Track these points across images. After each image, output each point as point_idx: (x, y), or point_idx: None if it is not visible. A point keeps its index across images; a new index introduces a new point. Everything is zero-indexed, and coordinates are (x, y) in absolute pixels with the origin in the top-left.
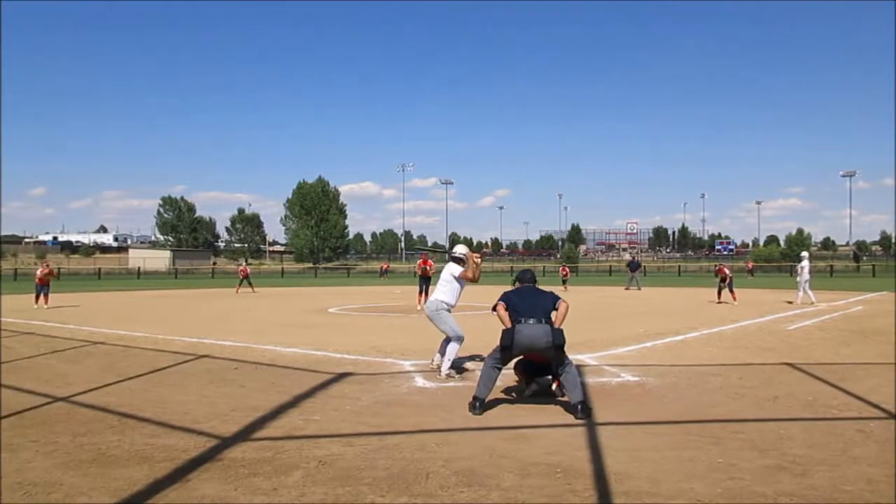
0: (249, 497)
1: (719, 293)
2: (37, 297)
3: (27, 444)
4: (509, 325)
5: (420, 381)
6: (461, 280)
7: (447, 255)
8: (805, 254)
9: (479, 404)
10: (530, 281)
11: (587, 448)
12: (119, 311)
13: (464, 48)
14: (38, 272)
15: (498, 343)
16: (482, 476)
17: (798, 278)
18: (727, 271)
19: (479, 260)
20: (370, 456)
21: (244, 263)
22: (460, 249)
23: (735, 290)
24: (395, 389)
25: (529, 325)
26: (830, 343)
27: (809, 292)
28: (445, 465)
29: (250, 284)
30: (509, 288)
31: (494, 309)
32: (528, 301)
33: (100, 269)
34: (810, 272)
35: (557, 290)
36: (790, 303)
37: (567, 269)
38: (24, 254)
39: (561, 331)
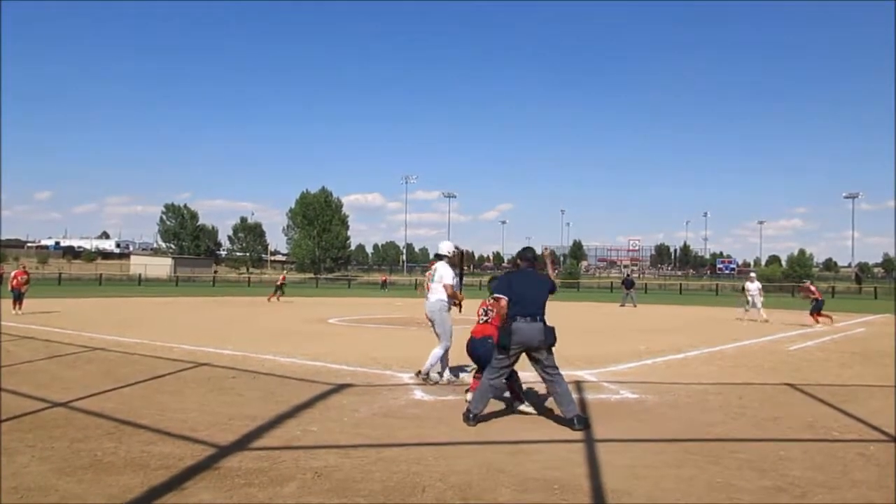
0: None
1: (815, 314)
2: (14, 303)
3: (24, 449)
4: (507, 323)
5: (419, 394)
6: (454, 276)
7: (435, 255)
8: (753, 273)
9: (473, 416)
10: (530, 260)
11: (585, 464)
12: (119, 317)
13: (469, 61)
14: (13, 275)
15: (495, 353)
16: (479, 490)
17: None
18: (816, 292)
19: (461, 298)
20: (367, 468)
21: (285, 272)
22: (444, 247)
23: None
24: (394, 402)
25: (525, 322)
26: (832, 364)
27: (762, 311)
28: (442, 478)
29: (283, 293)
30: (511, 271)
31: (494, 298)
32: (526, 293)
33: (101, 274)
34: (760, 293)
35: None
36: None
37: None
38: (27, 258)
39: (553, 330)
